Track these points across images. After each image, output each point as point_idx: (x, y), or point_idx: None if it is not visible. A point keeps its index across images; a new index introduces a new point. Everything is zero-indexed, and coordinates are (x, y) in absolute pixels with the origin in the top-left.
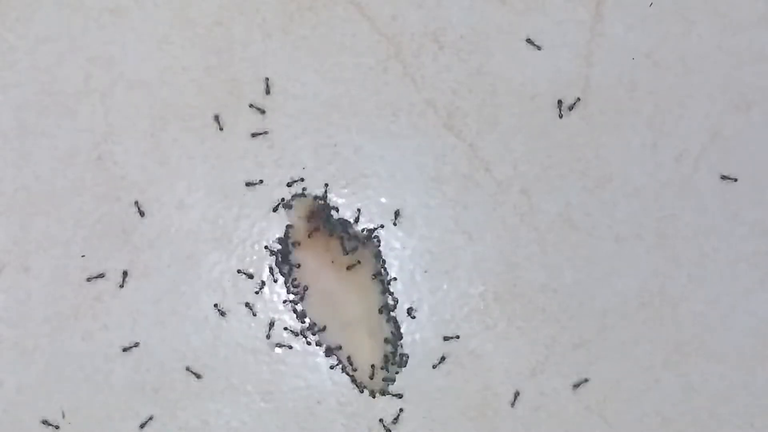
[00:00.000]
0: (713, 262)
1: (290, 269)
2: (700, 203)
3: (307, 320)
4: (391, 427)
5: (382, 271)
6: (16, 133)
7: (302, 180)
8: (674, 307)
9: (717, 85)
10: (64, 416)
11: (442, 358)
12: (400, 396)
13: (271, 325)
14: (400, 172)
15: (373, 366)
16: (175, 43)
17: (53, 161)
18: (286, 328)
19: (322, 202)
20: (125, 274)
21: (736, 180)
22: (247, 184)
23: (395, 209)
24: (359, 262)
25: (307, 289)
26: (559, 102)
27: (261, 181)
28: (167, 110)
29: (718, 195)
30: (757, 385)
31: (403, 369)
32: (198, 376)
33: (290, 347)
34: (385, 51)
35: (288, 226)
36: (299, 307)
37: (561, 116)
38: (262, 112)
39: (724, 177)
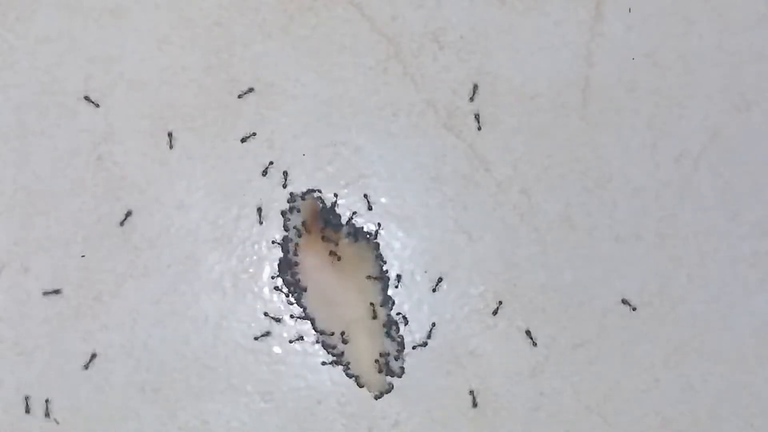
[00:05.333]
0: (713, 262)
1: (291, 269)
2: (700, 203)
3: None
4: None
5: (381, 268)
6: (16, 133)
7: (285, 174)
8: (674, 307)
9: (717, 85)
10: (57, 422)
11: (439, 279)
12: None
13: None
14: (400, 172)
15: (377, 361)
16: (175, 43)
17: (53, 161)
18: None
19: (324, 205)
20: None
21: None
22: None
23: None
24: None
25: (306, 289)
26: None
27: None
28: (167, 110)
29: (718, 195)
30: (757, 385)
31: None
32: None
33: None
34: (385, 51)
35: (287, 234)
36: (299, 306)
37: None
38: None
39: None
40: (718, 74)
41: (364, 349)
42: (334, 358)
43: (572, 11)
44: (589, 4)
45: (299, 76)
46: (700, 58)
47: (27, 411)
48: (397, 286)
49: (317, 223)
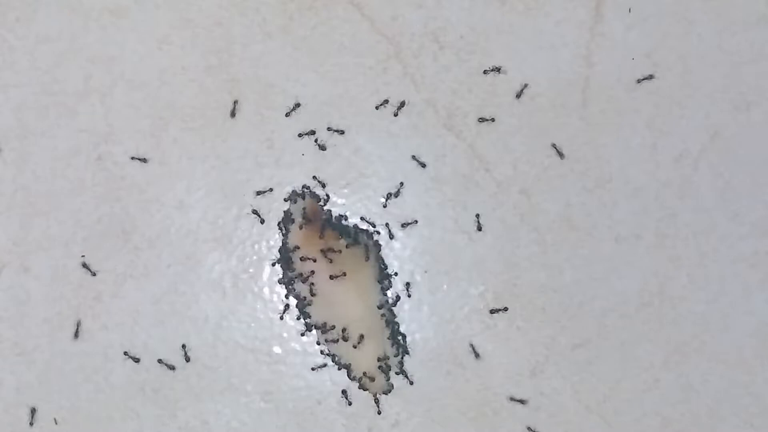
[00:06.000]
0: (713, 262)
1: (290, 269)
2: (700, 203)
3: (309, 320)
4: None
5: (381, 267)
6: (16, 134)
7: (271, 191)
8: (674, 307)
9: (717, 85)
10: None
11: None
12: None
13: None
14: (400, 172)
15: (380, 360)
16: (175, 43)
17: (53, 161)
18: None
19: (323, 205)
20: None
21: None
22: (258, 193)
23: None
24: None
25: (313, 287)
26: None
27: (271, 190)
28: (167, 110)
29: (718, 195)
30: (757, 385)
31: (403, 367)
32: (171, 368)
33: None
34: (384, 51)
35: (286, 232)
36: (300, 305)
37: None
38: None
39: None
40: (718, 74)
41: (365, 349)
42: (334, 358)
43: (572, 11)
44: (589, 4)
45: (299, 76)
46: (700, 58)
47: (31, 424)
48: (409, 295)
49: (317, 223)
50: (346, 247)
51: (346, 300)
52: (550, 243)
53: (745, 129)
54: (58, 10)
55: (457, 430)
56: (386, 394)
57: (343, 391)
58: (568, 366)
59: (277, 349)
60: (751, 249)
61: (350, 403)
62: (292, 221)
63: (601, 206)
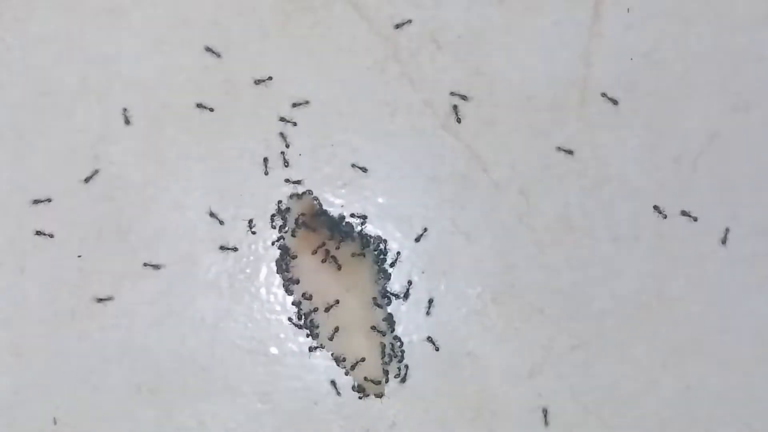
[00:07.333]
0: (711, 263)
1: (288, 270)
2: (698, 204)
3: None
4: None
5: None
6: (12, 133)
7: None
8: (672, 308)
9: (716, 85)
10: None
11: (430, 302)
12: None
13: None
14: (397, 173)
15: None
16: (172, 43)
17: (49, 161)
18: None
19: (319, 207)
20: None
21: None
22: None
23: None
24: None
25: (298, 282)
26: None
27: (236, 249)
28: (164, 110)
29: (717, 195)
30: (755, 387)
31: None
32: None
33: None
34: (382, 51)
35: (282, 236)
36: (296, 306)
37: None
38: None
39: (684, 213)
40: (717, 74)
41: (363, 351)
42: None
43: (570, 11)
44: (588, 5)
45: (297, 76)
46: (700, 58)
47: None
48: (428, 313)
49: (314, 225)
50: (341, 247)
51: (343, 301)
52: (548, 244)
53: (744, 129)
54: (55, 10)
55: (455, 431)
56: (380, 397)
57: (332, 382)
58: (566, 367)
59: (274, 350)
60: (750, 250)
61: (339, 393)
62: (289, 222)
63: (600, 207)
